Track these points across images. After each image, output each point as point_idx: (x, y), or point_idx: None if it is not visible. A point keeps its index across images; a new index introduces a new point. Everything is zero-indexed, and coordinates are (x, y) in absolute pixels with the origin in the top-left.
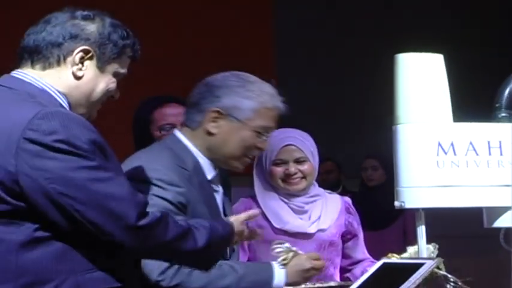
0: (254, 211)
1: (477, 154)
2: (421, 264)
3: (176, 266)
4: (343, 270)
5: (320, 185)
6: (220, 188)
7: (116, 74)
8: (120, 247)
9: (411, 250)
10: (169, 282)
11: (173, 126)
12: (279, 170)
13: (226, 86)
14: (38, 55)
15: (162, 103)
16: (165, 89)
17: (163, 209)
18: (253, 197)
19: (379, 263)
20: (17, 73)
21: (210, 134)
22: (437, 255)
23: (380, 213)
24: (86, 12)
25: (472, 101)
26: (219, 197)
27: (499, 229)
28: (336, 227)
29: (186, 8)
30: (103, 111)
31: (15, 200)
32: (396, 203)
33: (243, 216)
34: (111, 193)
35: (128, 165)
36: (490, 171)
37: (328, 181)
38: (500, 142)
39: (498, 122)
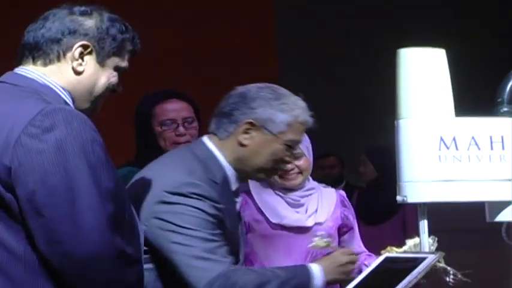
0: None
1: (479, 149)
2: (423, 258)
3: (223, 276)
4: None
5: (323, 180)
6: (238, 199)
7: (116, 68)
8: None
9: (410, 243)
10: None
11: (174, 121)
12: None
13: (262, 98)
14: (38, 51)
15: (163, 98)
16: (165, 85)
17: (203, 221)
18: (248, 192)
19: (381, 257)
20: (20, 70)
21: (241, 145)
22: (437, 249)
23: (379, 207)
24: (83, 8)
25: (474, 96)
26: (236, 208)
27: (499, 223)
28: (333, 220)
29: (187, 6)
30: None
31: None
32: (398, 198)
33: None
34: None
35: (159, 174)
36: (492, 165)
37: (332, 176)
38: (502, 137)
39: (500, 116)
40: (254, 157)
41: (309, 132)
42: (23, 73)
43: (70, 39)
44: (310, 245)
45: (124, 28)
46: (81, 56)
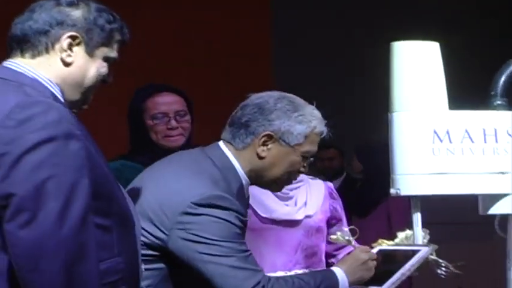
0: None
1: (472, 142)
2: (417, 251)
3: (260, 286)
4: (328, 256)
5: (323, 172)
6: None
7: (106, 59)
8: None
9: (401, 235)
10: None
11: (166, 114)
12: None
13: (279, 109)
14: (27, 44)
15: (155, 92)
16: (158, 79)
17: (232, 232)
18: None
19: (374, 250)
20: (9, 63)
21: (259, 157)
22: (429, 241)
23: (363, 200)
24: None
25: (467, 89)
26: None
27: (492, 216)
28: (322, 213)
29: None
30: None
31: None
32: (392, 191)
33: None
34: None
35: (181, 182)
36: (485, 158)
37: (332, 168)
38: (495, 130)
39: (493, 109)
40: (271, 169)
41: None
42: (11, 66)
43: (58, 30)
44: (331, 237)
45: (112, 18)
46: (70, 47)
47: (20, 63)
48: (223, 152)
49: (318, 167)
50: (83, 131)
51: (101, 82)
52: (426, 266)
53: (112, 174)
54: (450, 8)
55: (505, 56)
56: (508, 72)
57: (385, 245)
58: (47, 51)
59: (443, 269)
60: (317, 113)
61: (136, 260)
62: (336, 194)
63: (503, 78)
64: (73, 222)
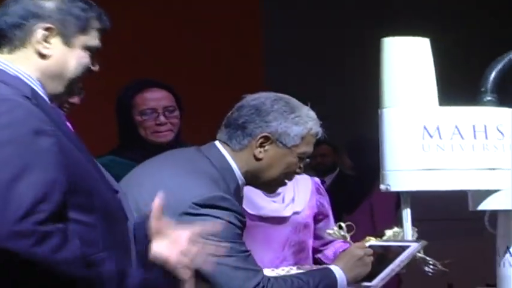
0: None
1: (462, 138)
2: (406, 247)
3: (261, 286)
4: (314, 251)
5: (315, 169)
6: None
7: (86, 48)
8: None
9: (389, 233)
10: None
11: (154, 110)
12: None
13: (276, 111)
14: (4, 39)
15: (143, 87)
16: (148, 75)
17: (233, 233)
18: None
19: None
20: None
21: (256, 159)
22: (417, 238)
23: (353, 197)
24: None
25: (457, 85)
26: None
27: (482, 212)
28: (309, 209)
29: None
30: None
31: None
32: (382, 186)
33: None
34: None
35: (178, 182)
36: (475, 154)
37: (324, 164)
38: (485, 126)
39: (483, 106)
40: (268, 170)
41: None
42: None
43: (33, 23)
44: (327, 231)
45: (87, 6)
46: (46, 39)
47: (0, 60)
48: (220, 152)
49: (310, 163)
50: (62, 126)
51: (88, 73)
52: (414, 263)
53: (98, 170)
54: (442, 7)
55: (496, 52)
56: (498, 68)
57: (372, 241)
58: (23, 45)
59: (431, 267)
60: (313, 114)
61: (127, 254)
62: (322, 190)
63: (493, 74)
64: (40, 219)
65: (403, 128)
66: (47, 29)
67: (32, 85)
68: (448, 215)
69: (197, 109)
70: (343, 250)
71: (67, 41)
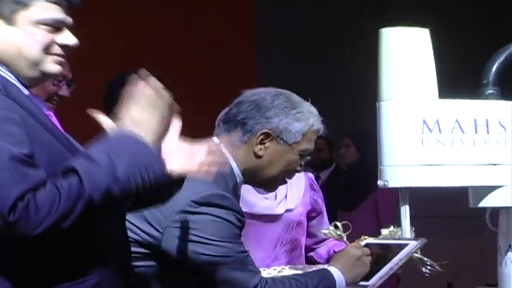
0: None
1: (463, 132)
2: (405, 245)
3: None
4: (307, 249)
5: (311, 164)
6: None
7: (40, 23)
8: None
9: (385, 232)
10: None
11: None
12: None
13: (277, 107)
14: None
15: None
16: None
17: (232, 233)
18: None
19: (362, 244)
20: None
21: (257, 156)
22: (415, 237)
23: (352, 193)
24: None
25: (458, 78)
26: None
27: (483, 209)
28: (303, 206)
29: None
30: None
31: None
32: (379, 182)
33: None
34: None
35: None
36: (476, 149)
37: (320, 159)
38: (486, 120)
39: (485, 99)
40: (268, 168)
41: None
42: None
43: None
44: (323, 231)
45: None
46: None
47: None
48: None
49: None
50: (38, 115)
51: (63, 48)
52: (412, 263)
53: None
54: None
55: (499, 41)
56: (500, 60)
57: (367, 241)
58: None
59: (429, 267)
60: (314, 110)
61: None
62: (316, 186)
63: (495, 67)
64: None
65: (401, 121)
66: None
67: (3, 74)
68: (448, 212)
69: (195, 108)
70: (340, 250)
71: (7, 20)
